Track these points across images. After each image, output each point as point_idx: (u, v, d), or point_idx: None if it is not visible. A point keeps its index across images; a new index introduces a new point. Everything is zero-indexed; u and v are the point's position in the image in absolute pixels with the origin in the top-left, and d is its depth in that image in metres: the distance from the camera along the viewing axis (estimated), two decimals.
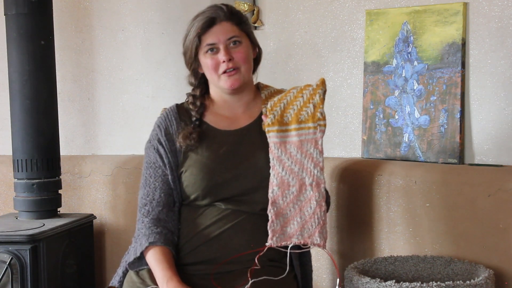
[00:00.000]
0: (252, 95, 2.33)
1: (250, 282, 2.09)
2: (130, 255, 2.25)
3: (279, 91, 2.35)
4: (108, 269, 3.29)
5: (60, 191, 3.11)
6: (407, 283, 2.10)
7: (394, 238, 2.57)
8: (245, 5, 3.20)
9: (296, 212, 2.12)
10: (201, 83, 2.33)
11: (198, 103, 2.31)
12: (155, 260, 2.16)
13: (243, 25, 2.27)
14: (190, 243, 2.23)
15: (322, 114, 2.13)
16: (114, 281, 2.30)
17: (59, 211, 3.13)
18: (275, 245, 2.11)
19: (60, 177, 3.11)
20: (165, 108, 2.36)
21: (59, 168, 3.09)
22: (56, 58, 3.12)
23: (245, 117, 2.31)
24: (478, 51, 2.62)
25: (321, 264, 2.77)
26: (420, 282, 2.11)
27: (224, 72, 2.22)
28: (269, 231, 2.11)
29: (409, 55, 2.76)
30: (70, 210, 3.32)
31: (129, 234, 2.75)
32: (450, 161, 2.63)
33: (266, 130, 2.17)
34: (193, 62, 2.27)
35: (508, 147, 2.56)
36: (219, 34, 2.22)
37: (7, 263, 2.73)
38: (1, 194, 3.45)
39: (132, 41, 3.37)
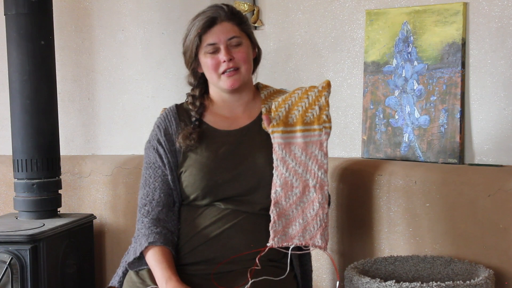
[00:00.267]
0: (252, 95, 2.33)
1: (250, 282, 2.09)
2: (130, 255, 2.25)
3: (279, 91, 2.35)
4: (108, 269, 3.30)
5: (60, 191, 3.11)
6: (407, 283, 2.10)
7: (394, 238, 2.57)
8: (245, 5, 3.20)
9: (299, 214, 2.12)
10: (200, 83, 2.33)
11: (197, 103, 2.31)
12: (154, 260, 2.16)
13: (243, 25, 2.27)
14: (189, 243, 2.23)
15: (328, 116, 2.14)
16: (114, 281, 2.30)
17: (59, 211, 3.13)
18: (276, 246, 2.11)
19: (60, 177, 3.11)
20: (165, 108, 2.37)
21: (59, 168, 3.09)
22: (56, 58, 3.12)
23: (245, 117, 2.31)
24: (478, 51, 2.62)
25: (321, 264, 2.76)
26: (420, 282, 2.11)
27: (224, 72, 2.22)
28: (271, 232, 2.11)
29: (409, 55, 2.76)
30: (70, 210, 3.32)
31: (129, 234, 2.76)
32: (450, 161, 2.63)
33: (270, 130, 2.17)
34: (193, 62, 2.27)
35: (508, 147, 2.56)
36: (219, 34, 2.22)
37: (7, 263, 2.73)
38: (1, 194, 3.45)
39: (132, 41, 3.37)
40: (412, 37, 2.76)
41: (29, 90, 2.98)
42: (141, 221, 2.24)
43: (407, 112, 2.76)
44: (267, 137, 2.25)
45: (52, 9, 3.06)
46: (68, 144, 3.45)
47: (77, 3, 3.42)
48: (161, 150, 2.27)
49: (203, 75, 2.31)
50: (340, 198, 2.71)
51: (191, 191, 2.24)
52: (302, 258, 2.35)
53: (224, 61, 2.21)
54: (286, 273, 2.16)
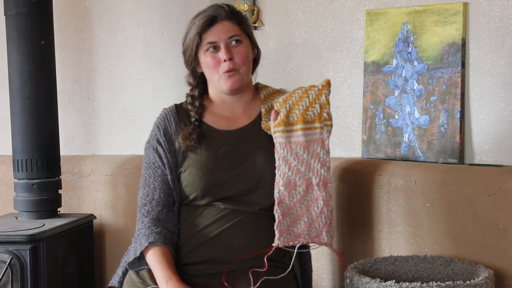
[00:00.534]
0: (251, 95, 2.33)
1: (258, 283, 2.09)
2: (130, 255, 2.25)
3: (278, 91, 2.35)
4: (108, 269, 3.30)
5: (60, 191, 3.11)
6: (407, 283, 2.10)
7: (394, 238, 2.57)
8: (245, 5, 3.20)
9: (303, 212, 2.12)
10: (199, 83, 2.33)
11: (197, 103, 2.31)
12: (155, 260, 2.16)
13: (243, 25, 2.27)
14: (189, 243, 2.23)
15: (329, 114, 2.15)
16: (114, 281, 2.30)
17: (59, 211, 3.13)
18: (282, 245, 2.11)
19: (60, 177, 3.11)
20: (165, 108, 2.37)
21: (59, 168, 3.09)
22: (56, 58, 3.12)
23: (244, 117, 2.31)
24: (478, 51, 2.62)
25: (321, 264, 2.77)
26: (420, 282, 2.11)
27: (224, 72, 2.22)
28: (276, 232, 2.11)
29: (409, 55, 2.76)
30: (70, 210, 3.32)
31: (129, 234, 2.75)
32: (450, 161, 2.63)
33: (272, 130, 2.17)
34: (192, 61, 2.27)
35: (508, 147, 2.56)
36: (220, 32, 2.22)
37: (7, 263, 2.73)
38: (1, 194, 3.45)
39: (132, 41, 3.37)
40: (412, 37, 2.76)
41: (29, 90, 2.98)
42: (141, 221, 2.24)
43: (407, 112, 2.76)
44: (266, 137, 2.25)
45: (52, 9, 3.06)
46: (68, 144, 3.45)
47: (77, 3, 3.42)
48: (160, 150, 2.27)
49: (202, 75, 2.31)
50: (340, 198, 2.71)
51: (191, 191, 2.24)
52: (302, 258, 2.35)
53: (225, 60, 2.21)
54: (287, 272, 2.16)
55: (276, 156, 2.15)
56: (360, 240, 2.68)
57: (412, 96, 2.75)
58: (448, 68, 2.65)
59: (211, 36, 2.22)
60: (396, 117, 2.80)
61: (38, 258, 2.77)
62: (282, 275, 2.15)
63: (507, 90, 2.57)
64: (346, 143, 2.98)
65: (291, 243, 2.12)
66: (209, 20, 2.22)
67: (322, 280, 2.78)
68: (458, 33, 2.64)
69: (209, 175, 2.22)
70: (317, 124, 2.15)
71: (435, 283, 2.09)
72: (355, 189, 2.68)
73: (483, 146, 2.61)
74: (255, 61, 2.34)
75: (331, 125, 2.15)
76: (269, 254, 2.11)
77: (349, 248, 2.70)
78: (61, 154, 3.12)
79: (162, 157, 2.27)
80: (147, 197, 2.26)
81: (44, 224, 2.91)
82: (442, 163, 2.64)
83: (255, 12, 3.23)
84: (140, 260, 2.23)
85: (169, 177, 2.26)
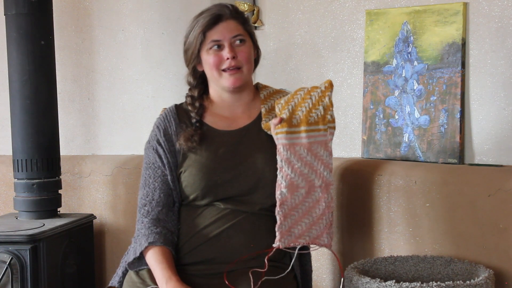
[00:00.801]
0: (252, 95, 2.33)
1: (259, 283, 2.09)
2: (129, 255, 2.25)
3: (278, 91, 2.35)
4: (108, 269, 3.29)
5: (60, 191, 3.11)
6: (407, 283, 2.10)
7: (394, 238, 2.57)
8: (245, 5, 3.20)
9: (304, 214, 2.12)
10: (199, 83, 2.33)
11: (197, 104, 2.31)
12: (154, 260, 2.16)
13: (246, 25, 2.28)
14: (189, 243, 2.23)
15: (332, 116, 2.15)
16: (114, 281, 2.30)
17: (59, 211, 3.13)
18: (283, 247, 2.11)
19: (60, 177, 3.11)
20: (165, 108, 2.37)
21: (59, 168, 3.09)
22: (56, 58, 3.12)
23: (244, 117, 2.31)
24: (478, 51, 2.62)
25: (321, 264, 2.77)
26: (420, 282, 2.10)
27: (227, 69, 2.22)
28: (277, 233, 2.11)
29: (409, 55, 2.76)
30: (70, 210, 3.32)
31: (129, 234, 2.76)
32: (450, 161, 2.63)
33: (274, 132, 2.16)
34: (195, 59, 2.27)
35: (508, 147, 2.56)
36: (224, 31, 2.22)
37: (7, 263, 2.73)
38: (1, 194, 3.45)
39: (132, 41, 3.37)
40: (412, 37, 2.76)
41: (29, 90, 2.98)
42: (141, 221, 2.24)
43: (407, 112, 2.76)
44: (266, 137, 2.25)
45: (52, 9, 3.06)
46: (68, 144, 3.45)
47: (77, 3, 3.42)
48: (160, 151, 2.27)
49: (202, 75, 2.31)
50: (340, 198, 2.71)
51: (191, 191, 2.24)
52: (302, 258, 2.35)
53: (228, 59, 2.21)
54: (285, 273, 2.16)
55: (279, 158, 2.14)
56: (360, 240, 2.68)
57: (412, 96, 2.75)
58: (448, 68, 2.65)
59: (215, 34, 2.22)
60: (396, 117, 2.80)
61: (38, 258, 2.77)
62: (281, 275, 2.15)
63: (507, 90, 2.57)
64: (346, 143, 2.98)
65: (291, 245, 2.12)
66: (214, 18, 2.22)
67: (322, 280, 2.78)
68: (458, 33, 2.64)
69: (209, 175, 2.22)
70: (320, 126, 2.14)
71: (435, 283, 2.09)
72: (355, 189, 2.68)
73: (483, 146, 2.61)
74: (255, 61, 2.34)
75: (334, 127, 2.15)
76: (270, 255, 2.11)
77: (349, 248, 2.70)
78: (61, 154, 3.12)
79: (162, 157, 2.27)
80: (147, 197, 2.26)
81: (44, 224, 2.91)
82: (442, 163, 2.64)
83: (255, 12, 3.23)
84: (140, 260, 2.23)
85: (169, 177, 2.26)
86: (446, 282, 2.10)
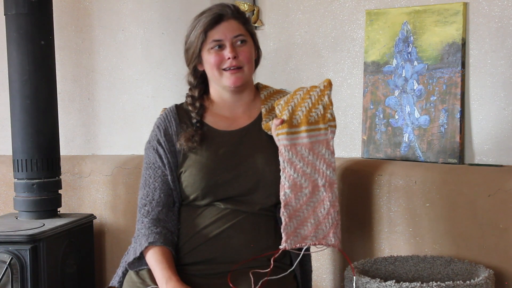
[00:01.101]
0: (252, 95, 2.33)
1: (259, 284, 2.09)
2: (129, 255, 2.25)
3: (278, 92, 2.35)
4: (108, 269, 3.29)
5: (60, 191, 3.11)
6: (407, 283, 2.10)
7: (394, 238, 2.57)
8: (245, 5, 3.20)
9: (310, 214, 2.12)
10: (199, 83, 2.33)
11: (197, 104, 2.30)
12: (154, 260, 2.16)
13: (248, 25, 2.28)
14: (189, 243, 2.23)
15: (332, 115, 2.15)
16: (114, 281, 2.30)
17: (59, 211, 3.13)
18: (289, 248, 2.10)
19: (60, 177, 3.11)
20: (165, 108, 2.36)
21: (59, 168, 3.09)
22: (56, 58, 3.12)
23: (245, 117, 2.31)
24: (478, 51, 2.62)
25: (321, 264, 2.77)
26: (420, 282, 2.10)
27: (227, 69, 2.22)
28: (283, 234, 2.11)
29: (409, 55, 2.76)
30: (70, 210, 3.32)
31: (129, 234, 2.75)
32: (450, 161, 2.63)
33: (275, 133, 2.16)
34: (195, 58, 2.27)
35: (508, 147, 2.56)
36: (226, 31, 2.22)
37: (7, 263, 2.73)
38: (1, 194, 3.45)
39: (132, 41, 3.37)
40: (412, 37, 2.76)
41: (29, 90, 2.98)
42: (141, 221, 2.24)
43: (407, 112, 2.76)
44: (267, 137, 2.25)
45: (52, 9, 3.06)
46: (68, 144, 3.45)
47: (77, 3, 3.42)
48: (161, 151, 2.27)
49: (203, 74, 2.31)
50: (340, 198, 2.70)
51: (191, 191, 2.24)
52: (302, 258, 2.35)
53: (229, 58, 2.21)
54: (289, 271, 2.17)
55: (281, 159, 2.14)
56: (360, 240, 2.68)
57: (412, 96, 2.75)
58: (448, 68, 2.65)
59: (217, 34, 2.22)
60: (396, 117, 2.80)
61: (38, 258, 2.77)
62: (283, 274, 2.15)
63: (507, 90, 2.57)
64: (346, 143, 2.98)
65: (298, 245, 2.11)
66: (216, 18, 2.22)
67: (322, 280, 2.78)
68: (458, 33, 2.64)
69: (209, 176, 2.22)
70: (321, 125, 2.14)
71: (435, 283, 2.09)
72: (355, 189, 2.68)
73: (483, 146, 2.61)
74: (256, 61, 2.34)
75: (335, 126, 2.15)
76: (275, 256, 2.11)
77: (349, 248, 2.69)
78: (61, 154, 3.12)
79: (162, 157, 2.27)
80: (147, 197, 2.26)
81: (44, 224, 2.91)
82: (442, 163, 2.64)
83: (255, 12, 3.23)
84: (140, 260, 2.23)
85: (169, 177, 2.26)
86: (446, 282, 2.10)
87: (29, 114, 2.99)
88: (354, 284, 2.17)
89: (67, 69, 3.44)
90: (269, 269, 2.11)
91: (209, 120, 2.30)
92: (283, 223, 2.11)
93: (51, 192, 3.05)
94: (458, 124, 2.62)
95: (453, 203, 2.41)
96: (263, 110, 2.29)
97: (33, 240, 2.76)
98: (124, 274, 2.29)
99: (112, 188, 3.28)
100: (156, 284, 2.14)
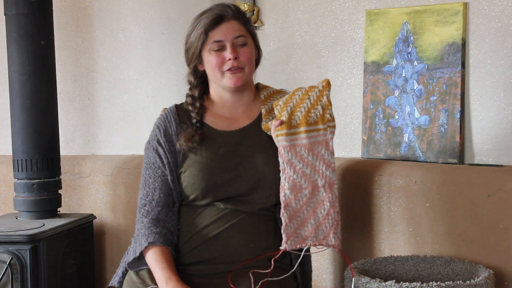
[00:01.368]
0: (252, 95, 2.33)
1: (259, 284, 2.09)
2: (129, 255, 2.25)
3: (278, 92, 2.35)
4: (108, 269, 3.30)
5: (60, 191, 3.11)
6: (407, 283, 2.10)
7: (394, 238, 2.57)
8: (245, 5, 3.20)
9: (310, 214, 2.12)
10: (200, 83, 2.33)
11: (197, 104, 2.30)
12: (154, 260, 2.16)
13: (248, 25, 2.28)
14: (189, 243, 2.23)
15: (331, 115, 2.15)
16: (114, 281, 2.30)
17: (59, 211, 3.13)
18: (290, 249, 2.10)
19: (60, 177, 3.11)
20: (165, 108, 2.36)
21: (59, 168, 3.09)
22: (56, 58, 3.12)
23: (245, 117, 2.31)
24: (478, 51, 2.62)
25: (321, 264, 2.77)
26: (420, 282, 2.10)
27: (229, 70, 2.22)
28: (284, 235, 2.11)
29: (409, 55, 2.76)
30: (70, 210, 3.32)
31: (129, 234, 2.75)
32: (450, 161, 2.63)
33: (274, 134, 2.16)
34: (196, 59, 2.26)
35: (508, 147, 2.56)
36: (226, 31, 2.22)
37: (7, 263, 2.73)
38: (1, 194, 3.45)
39: (132, 41, 3.37)
40: (412, 37, 2.76)
41: (29, 90, 2.98)
42: (141, 221, 2.24)
43: (407, 112, 2.76)
44: (267, 137, 2.25)
45: (52, 9, 3.06)
46: (68, 144, 3.45)
47: (77, 3, 3.42)
48: (160, 151, 2.27)
49: (203, 74, 2.31)
50: (340, 198, 2.69)
51: (191, 191, 2.24)
52: (302, 258, 2.35)
53: (230, 59, 2.21)
54: (290, 273, 2.17)
55: (281, 160, 2.14)
56: (360, 240, 2.68)
57: (412, 96, 2.75)
58: (448, 68, 2.65)
59: (217, 34, 2.22)
60: (396, 117, 2.80)
61: (38, 258, 2.77)
62: (285, 275, 2.15)
63: (507, 90, 2.57)
64: (346, 143, 2.98)
65: (298, 246, 2.11)
66: (217, 18, 2.22)
67: (322, 280, 2.78)
68: (458, 33, 2.64)
69: (209, 176, 2.22)
70: (320, 126, 2.14)
71: (435, 283, 2.09)
72: (355, 189, 2.68)
73: (483, 146, 2.61)
74: (256, 62, 2.34)
75: (334, 126, 2.15)
76: (276, 257, 2.11)
77: (349, 248, 2.69)
78: (61, 154, 3.12)
79: (162, 157, 2.27)
80: (147, 197, 2.26)
81: (44, 224, 2.91)
82: (442, 163, 2.64)
83: (255, 12, 3.23)
84: (139, 260, 2.23)
85: (169, 177, 2.26)
86: (446, 282, 2.10)
87: (29, 114, 2.99)
88: (353, 285, 2.17)
89: (67, 69, 3.44)
90: (269, 269, 2.11)
91: (209, 120, 2.30)
92: (283, 224, 2.11)
93: (51, 192, 3.05)
94: (458, 124, 2.62)
95: (453, 203, 2.41)
96: (263, 110, 2.29)
97: (33, 240, 2.76)
98: (124, 274, 2.29)
99: (112, 188, 3.28)
100: (156, 284, 2.14)
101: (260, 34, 3.14)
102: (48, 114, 3.04)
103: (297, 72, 3.13)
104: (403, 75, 2.78)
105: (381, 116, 2.84)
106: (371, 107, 2.87)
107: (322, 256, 2.73)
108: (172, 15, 3.31)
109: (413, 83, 2.75)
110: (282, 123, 2.14)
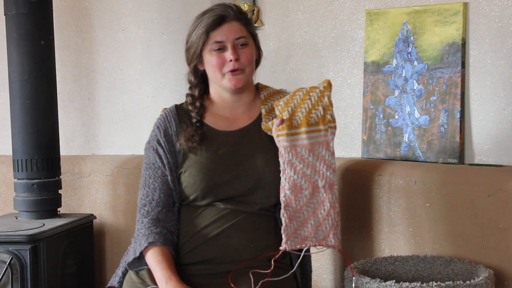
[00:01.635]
0: (252, 96, 2.33)
1: (259, 283, 2.09)
2: (129, 255, 2.25)
3: (278, 92, 2.35)
4: (108, 269, 3.30)
5: (60, 191, 3.11)
6: (407, 283, 2.10)
7: (394, 238, 2.57)
8: (245, 5, 3.20)
9: (310, 215, 2.12)
10: (200, 82, 2.33)
11: (197, 104, 2.30)
12: (154, 260, 2.16)
13: (249, 26, 2.27)
14: (189, 243, 2.23)
15: (332, 116, 2.15)
16: (114, 281, 2.30)
17: (59, 211, 3.13)
18: (289, 249, 2.10)
19: (60, 177, 3.11)
20: (165, 108, 2.36)
21: (59, 168, 3.09)
22: (56, 58, 3.12)
23: (245, 117, 2.31)
24: (478, 51, 2.62)
25: (321, 264, 2.77)
26: (420, 282, 2.10)
27: (229, 71, 2.22)
28: (283, 235, 2.11)
29: (409, 55, 2.76)
30: (70, 210, 3.32)
31: (129, 234, 2.75)
32: (450, 161, 2.63)
33: (275, 134, 2.16)
34: (196, 58, 2.26)
35: (508, 147, 2.56)
36: (228, 32, 2.22)
37: (7, 263, 2.73)
38: (1, 194, 3.45)
39: (132, 41, 3.37)
40: (412, 37, 2.76)
41: (29, 90, 2.98)
42: (141, 221, 2.24)
43: (407, 112, 2.76)
44: (267, 137, 2.25)
45: (52, 9, 3.06)
46: (68, 144, 3.45)
47: (77, 3, 3.42)
48: (160, 151, 2.27)
49: (203, 74, 2.31)
50: (340, 198, 2.69)
51: (191, 191, 2.24)
52: (302, 259, 2.34)
53: (231, 60, 2.20)
54: (290, 273, 2.17)
55: (281, 160, 2.14)
56: (360, 240, 2.68)
57: (412, 96, 2.75)
58: (448, 68, 2.65)
59: (219, 35, 2.22)
60: (396, 117, 2.80)
61: (38, 258, 2.77)
62: (284, 276, 2.15)
63: (507, 90, 2.57)
64: (346, 143, 2.98)
65: (298, 246, 2.11)
66: (218, 18, 2.22)
67: (322, 280, 2.78)
68: (458, 33, 2.64)
69: (209, 176, 2.22)
70: (321, 127, 2.14)
71: (435, 283, 2.09)
72: (355, 189, 2.68)
73: (483, 146, 2.61)
74: (256, 62, 2.34)
75: (335, 127, 2.15)
76: (276, 257, 2.11)
77: (349, 248, 2.69)
78: (61, 154, 3.12)
79: (162, 157, 2.27)
80: (147, 197, 2.26)
81: (44, 224, 2.91)
82: (442, 163, 2.64)
83: (255, 12, 3.23)
84: (139, 260, 2.23)
85: (169, 177, 2.26)
86: (446, 282, 2.10)
87: (29, 114, 2.99)
88: (353, 285, 2.17)
89: (67, 69, 3.44)
90: (269, 270, 2.11)
91: (209, 120, 2.30)
92: (283, 224, 2.11)
93: (51, 192, 3.05)
94: (458, 124, 2.62)
95: (453, 203, 2.41)
96: (263, 111, 2.29)
97: (33, 240, 2.76)
98: (124, 274, 2.29)
99: (112, 188, 3.28)
100: (156, 284, 2.14)
101: (260, 34, 3.13)
102: (48, 114, 3.04)
103: (297, 72, 3.13)
104: (403, 75, 2.78)
105: (381, 116, 2.84)
106: (371, 107, 2.87)
107: (322, 256, 2.73)
108: (172, 15, 3.31)
109: (413, 83, 2.75)
110: (283, 121, 2.14)
